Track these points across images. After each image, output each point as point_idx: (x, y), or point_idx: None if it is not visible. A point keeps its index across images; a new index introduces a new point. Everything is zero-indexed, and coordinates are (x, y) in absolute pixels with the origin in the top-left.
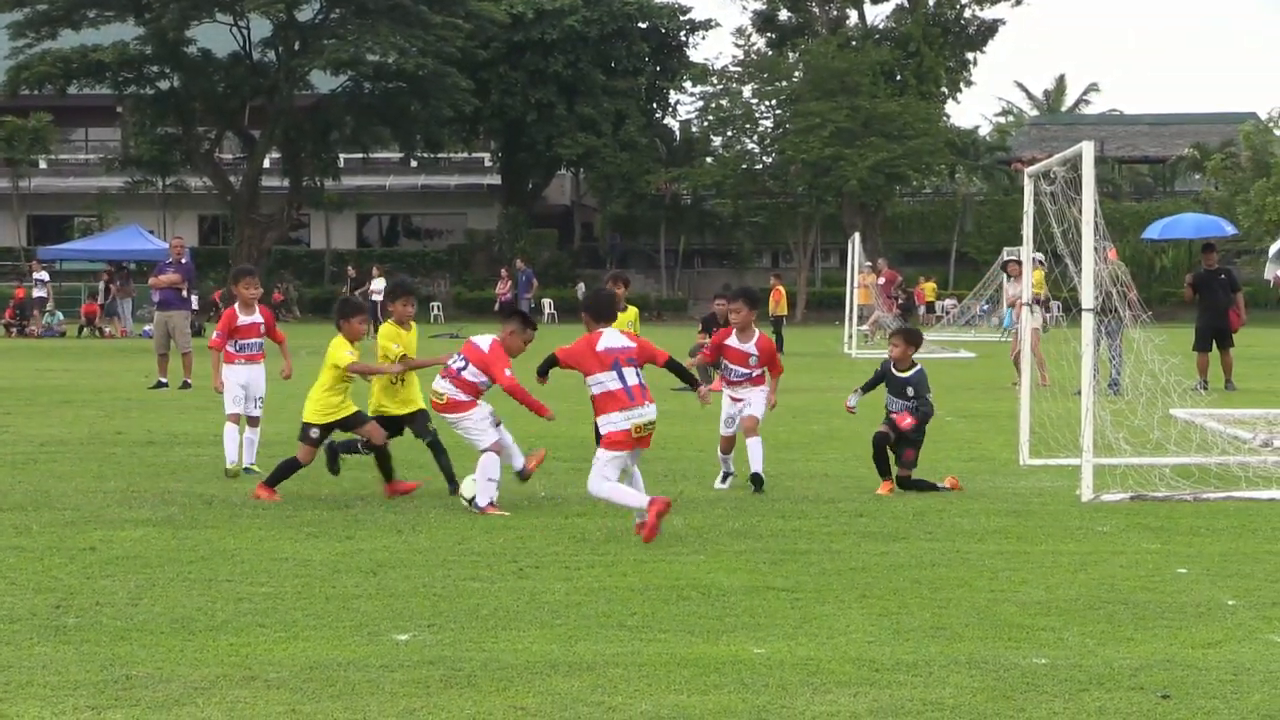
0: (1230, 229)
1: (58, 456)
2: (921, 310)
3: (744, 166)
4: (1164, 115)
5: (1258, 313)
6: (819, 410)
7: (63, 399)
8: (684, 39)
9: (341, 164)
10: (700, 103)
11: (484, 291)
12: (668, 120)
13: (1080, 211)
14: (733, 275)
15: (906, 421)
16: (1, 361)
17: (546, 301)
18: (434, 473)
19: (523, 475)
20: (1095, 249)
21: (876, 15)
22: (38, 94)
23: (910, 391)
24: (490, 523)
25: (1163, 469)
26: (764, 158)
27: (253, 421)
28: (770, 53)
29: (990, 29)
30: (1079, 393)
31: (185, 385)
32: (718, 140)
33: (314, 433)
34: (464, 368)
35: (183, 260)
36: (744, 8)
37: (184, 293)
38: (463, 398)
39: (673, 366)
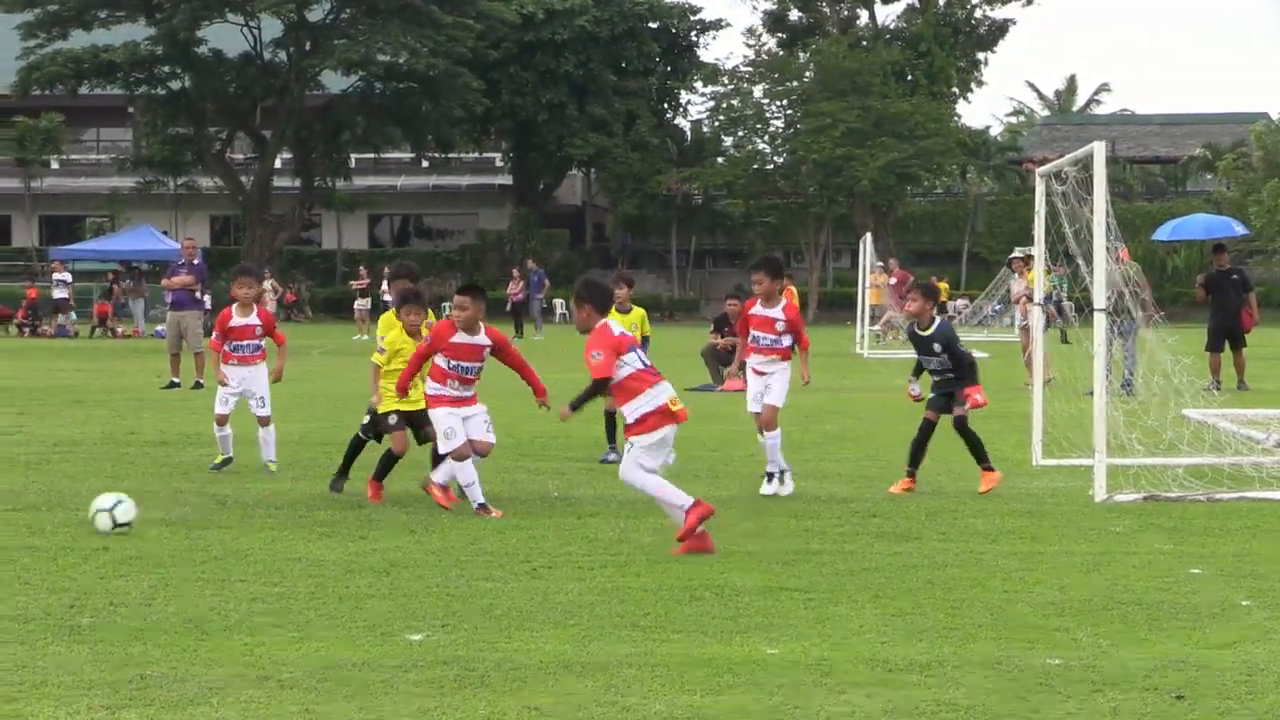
0: (1241, 229)
1: (71, 457)
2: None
3: (755, 166)
4: (1175, 115)
5: (1270, 313)
6: (832, 410)
7: (75, 399)
8: (694, 39)
9: (353, 164)
10: (711, 103)
11: (495, 291)
12: (678, 120)
13: (1092, 212)
14: (744, 275)
15: (978, 398)
16: (14, 362)
17: (558, 302)
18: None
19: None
20: (1107, 249)
21: (887, 15)
22: (49, 94)
23: (937, 347)
24: (503, 523)
25: (1176, 469)
26: (775, 158)
27: (262, 421)
28: (781, 53)
29: (1001, 29)
30: (1091, 393)
31: (197, 385)
32: (729, 140)
33: (391, 419)
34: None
35: (195, 261)
36: (754, 8)
37: (197, 293)
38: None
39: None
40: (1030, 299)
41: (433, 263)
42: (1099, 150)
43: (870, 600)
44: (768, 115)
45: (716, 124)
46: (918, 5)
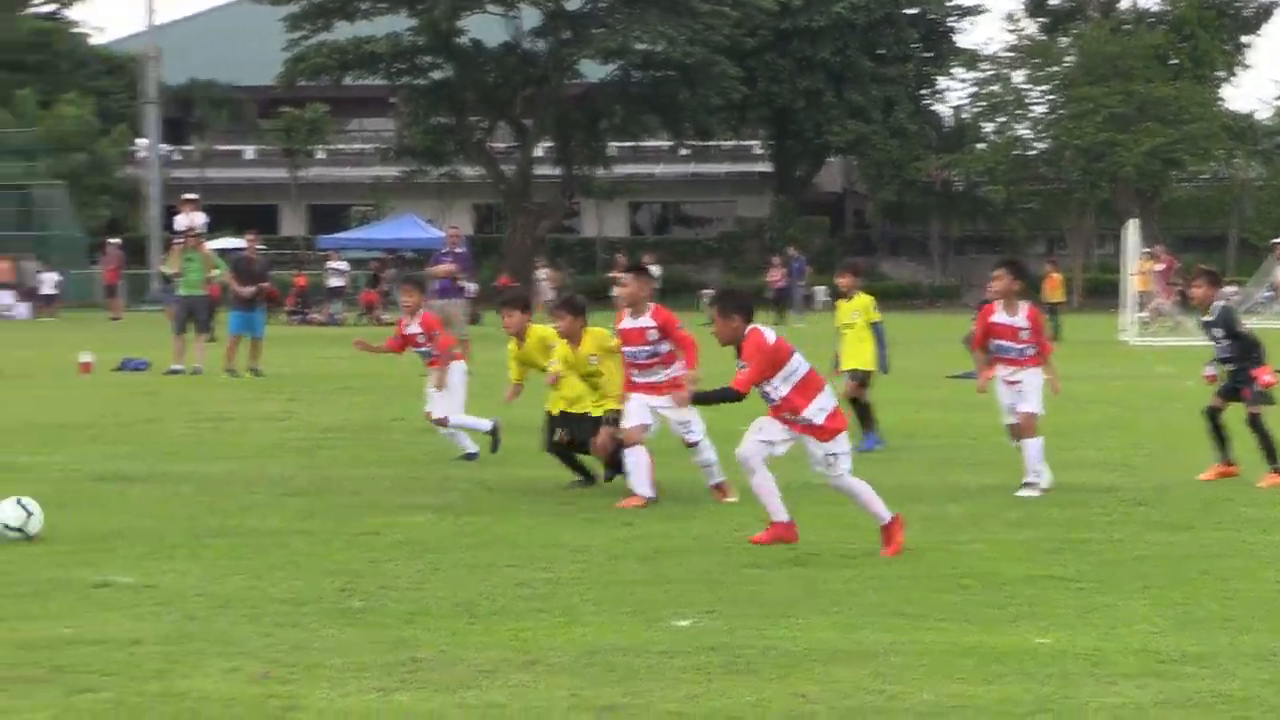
0: None
1: (338, 443)
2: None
3: (1016, 153)
4: None
5: None
6: (1095, 400)
7: (342, 385)
8: (952, 24)
9: (614, 153)
10: (971, 89)
11: (755, 279)
12: (936, 106)
13: None
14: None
15: (1266, 378)
16: (285, 349)
17: (820, 289)
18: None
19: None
20: None
21: None
22: (314, 85)
23: (1219, 332)
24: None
25: None
26: (1036, 143)
27: (439, 423)
28: (1042, 37)
29: (1267, 11)
30: None
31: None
32: (989, 126)
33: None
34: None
35: (458, 249)
36: None
37: (460, 281)
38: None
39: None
40: None
41: (693, 250)
42: None
43: (1140, 590)
44: (1028, 101)
45: (976, 110)
46: None
